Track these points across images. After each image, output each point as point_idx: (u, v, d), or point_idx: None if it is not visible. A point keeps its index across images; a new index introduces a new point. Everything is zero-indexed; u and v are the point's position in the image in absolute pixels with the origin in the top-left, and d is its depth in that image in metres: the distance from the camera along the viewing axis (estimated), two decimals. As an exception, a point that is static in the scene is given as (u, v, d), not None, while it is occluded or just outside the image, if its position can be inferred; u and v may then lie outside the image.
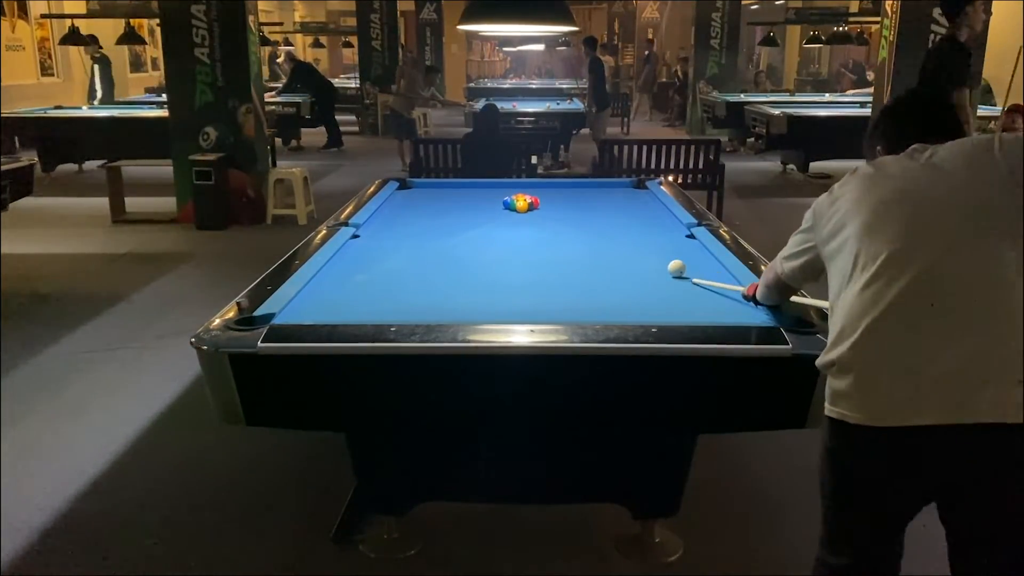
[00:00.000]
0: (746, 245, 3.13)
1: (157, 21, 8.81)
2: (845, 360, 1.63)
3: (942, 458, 1.61)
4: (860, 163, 1.82)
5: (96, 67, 12.53)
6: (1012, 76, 5.73)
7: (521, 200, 3.90)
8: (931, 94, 1.93)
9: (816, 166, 9.87)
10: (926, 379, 1.56)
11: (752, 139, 11.20)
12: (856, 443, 1.67)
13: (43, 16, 12.77)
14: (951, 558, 1.75)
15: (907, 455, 1.62)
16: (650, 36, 21.99)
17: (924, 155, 1.69)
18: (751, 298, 2.35)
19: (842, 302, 1.66)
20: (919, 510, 1.74)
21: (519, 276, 2.92)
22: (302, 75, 12.98)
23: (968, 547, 1.71)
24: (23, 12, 12.85)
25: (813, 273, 1.94)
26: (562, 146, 9.27)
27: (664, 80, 18.32)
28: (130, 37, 11.88)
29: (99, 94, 12.48)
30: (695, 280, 2.69)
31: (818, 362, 1.73)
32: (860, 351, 1.61)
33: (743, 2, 14.72)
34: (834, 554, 1.81)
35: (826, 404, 1.70)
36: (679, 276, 2.74)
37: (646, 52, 18.71)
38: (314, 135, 13.13)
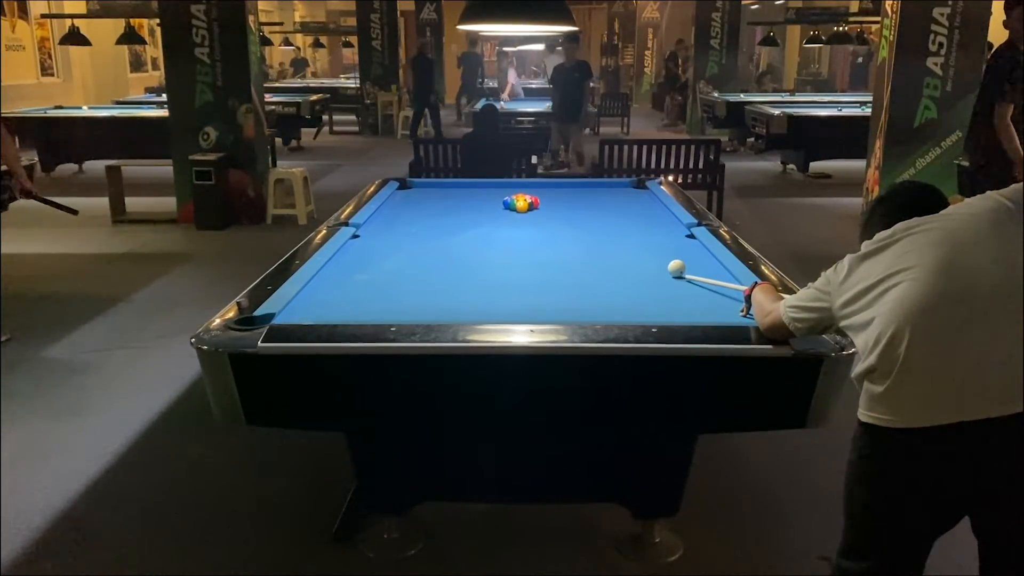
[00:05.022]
0: (746, 245, 3.13)
1: (157, 21, 8.81)
2: (884, 364, 1.62)
3: (985, 454, 1.61)
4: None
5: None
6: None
7: (521, 200, 3.90)
8: (921, 183, 1.97)
9: (816, 166, 9.88)
10: (968, 376, 1.58)
11: (752, 139, 11.20)
12: (895, 447, 1.66)
13: (43, 16, 12.77)
14: (983, 568, 1.75)
15: (949, 454, 1.62)
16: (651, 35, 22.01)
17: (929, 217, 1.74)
18: (748, 300, 2.34)
19: (879, 312, 1.65)
20: (955, 521, 1.73)
21: (519, 276, 2.92)
22: (418, 66, 13.40)
23: (1004, 554, 1.71)
24: (23, 12, 12.85)
25: (820, 330, 1.95)
26: (562, 146, 9.27)
27: (663, 80, 18.30)
28: (130, 37, 11.87)
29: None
30: (689, 276, 2.70)
31: (854, 374, 1.73)
32: (899, 354, 1.60)
33: (743, 2, 14.72)
34: (857, 560, 1.80)
35: (860, 411, 1.70)
36: (679, 276, 2.74)
37: (668, 51, 18.23)
38: (313, 136, 13.15)
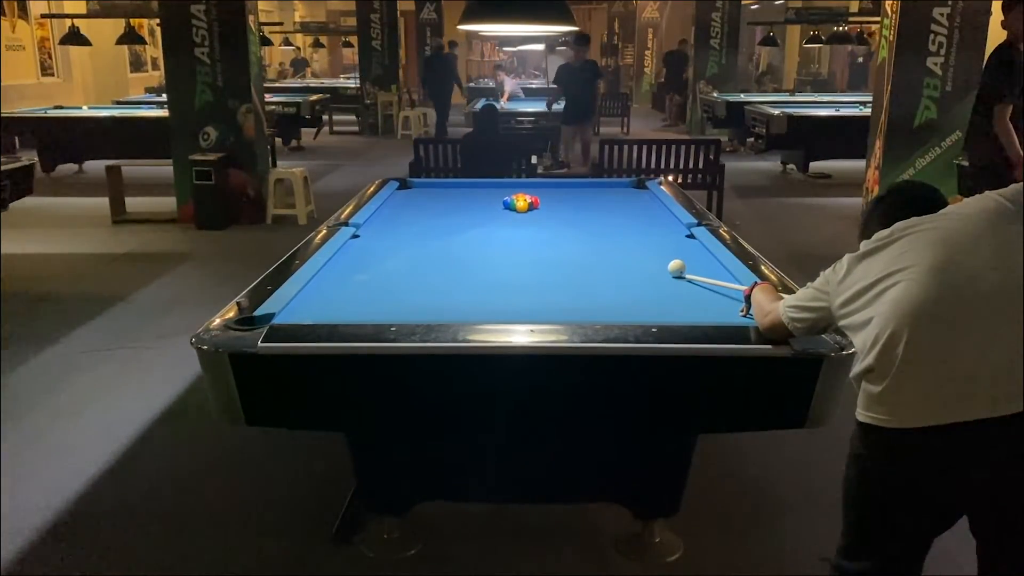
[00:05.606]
0: (746, 245, 3.13)
1: (157, 21, 8.81)
2: (882, 364, 1.62)
3: (983, 454, 1.61)
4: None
5: None
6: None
7: (521, 200, 3.90)
8: (920, 183, 1.97)
9: (816, 166, 9.87)
10: (966, 376, 1.57)
11: (752, 139, 11.20)
12: (893, 447, 1.66)
13: (43, 16, 12.75)
14: (981, 567, 1.75)
15: (948, 455, 1.62)
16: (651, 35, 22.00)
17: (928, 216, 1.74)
18: (748, 300, 2.34)
19: (877, 312, 1.65)
20: (953, 521, 1.73)
21: (519, 276, 2.92)
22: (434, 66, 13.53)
23: (1002, 554, 1.71)
24: (23, 12, 12.84)
25: (819, 330, 1.95)
26: (562, 146, 9.27)
27: (663, 80, 18.26)
28: (130, 37, 11.86)
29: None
30: (689, 276, 2.70)
31: (852, 373, 1.73)
32: (897, 354, 1.60)
33: (743, 2, 14.71)
34: (855, 560, 1.80)
35: (858, 411, 1.70)
36: (679, 276, 2.75)
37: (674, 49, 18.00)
38: (314, 135, 13.13)
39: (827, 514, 1.99)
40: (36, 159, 7.56)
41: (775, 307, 2.03)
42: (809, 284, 1.91)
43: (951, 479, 1.65)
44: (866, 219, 1.91)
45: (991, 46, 5.78)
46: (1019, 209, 1.66)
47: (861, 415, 1.70)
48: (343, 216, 3.70)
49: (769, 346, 2.07)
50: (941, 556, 1.83)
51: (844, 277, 1.77)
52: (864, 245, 1.77)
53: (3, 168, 5.50)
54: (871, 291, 1.68)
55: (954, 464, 1.63)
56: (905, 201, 1.84)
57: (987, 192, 1.74)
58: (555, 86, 9.63)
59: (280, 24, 20.37)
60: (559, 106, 9.51)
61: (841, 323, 1.79)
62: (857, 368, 1.70)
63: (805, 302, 1.91)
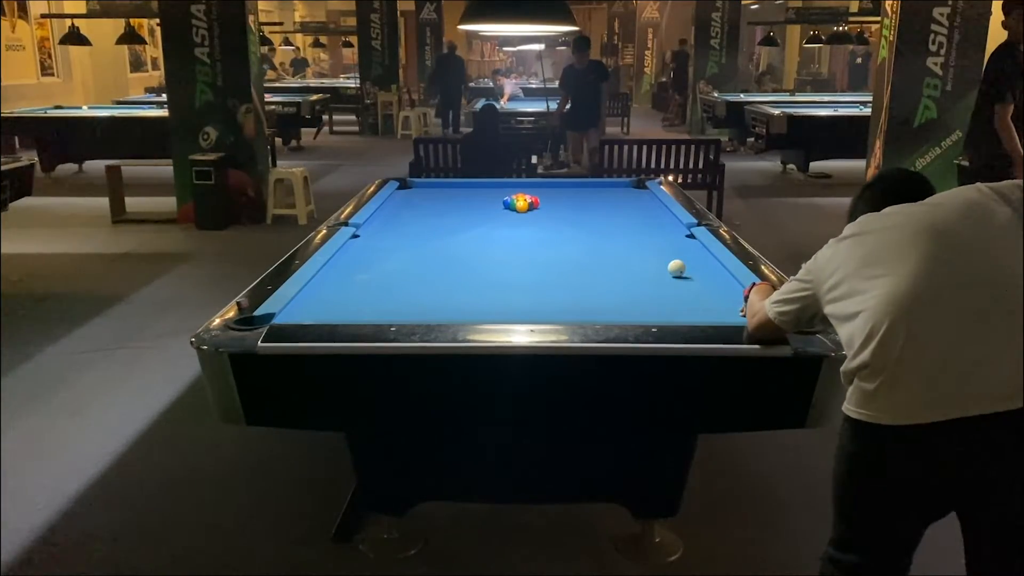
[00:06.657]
0: (746, 245, 3.13)
1: (157, 21, 8.81)
2: (876, 362, 1.62)
3: (979, 450, 1.61)
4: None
5: None
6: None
7: (521, 200, 3.90)
8: (908, 171, 1.97)
9: (816, 166, 9.87)
10: (961, 373, 1.57)
11: (752, 139, 11.20)
12: (887, 444, 1.66)
13: (43, 16, 12.76)
14: (969, 563, 1.75)
15: (941, 451, 1.62)
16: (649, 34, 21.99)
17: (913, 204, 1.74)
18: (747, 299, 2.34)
19: (867, 306, 1.65)
20: (944, 514, 1.73)
21: (519, 276, 2.92)
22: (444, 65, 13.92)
23: (990, 549, 1.71)
24: (23, 12, 12.84)
25: (806, 321, 1.93)
26: (562, 146, 9.24)
27: (664, 79, 18.28)
28: (130, 37, 11.86)
29: None
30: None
31: (843, 369, 1.72)
32: (893, 351, 1.60)
33: (743, 2, 14.72)
34: (846, 552, 1.80)
35: (849, 407, 1.70)
36: (679, 276, 2.75)
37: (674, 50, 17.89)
38: (312, 135, 13.12)
39: (827, 514, 1.99)
40: (36, 159, 7.57)
41: (762, 306, 2.04)
42: (791, 278, 1.92)
43: (945, 475, 1.65)
44: (853, 203, 1.92)
45: (991, 46, 5.78)
46: (1018, 206, 1.65)
47: (852, 411, 1.69)
48: (343, 216, 3.70)
49: (769, 346, 2.06)
50: (940, 555, 1.82)
51: (828, 260, 1.77)
52: (848, 228, 1.77)
53: (3, 168, 5.49)
54: (856, 278, 1.68)
55: (949, 460, 1.63)
56: (892, 188, 1.85)
57: (976, 184, 1.73)
58: (559, 88, 9.40)
59: (280, 24, 20.37)
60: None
61: (826, 309, 1.78)
62: (850, 364, 1.69)
63: (788, 295, 1.92)
